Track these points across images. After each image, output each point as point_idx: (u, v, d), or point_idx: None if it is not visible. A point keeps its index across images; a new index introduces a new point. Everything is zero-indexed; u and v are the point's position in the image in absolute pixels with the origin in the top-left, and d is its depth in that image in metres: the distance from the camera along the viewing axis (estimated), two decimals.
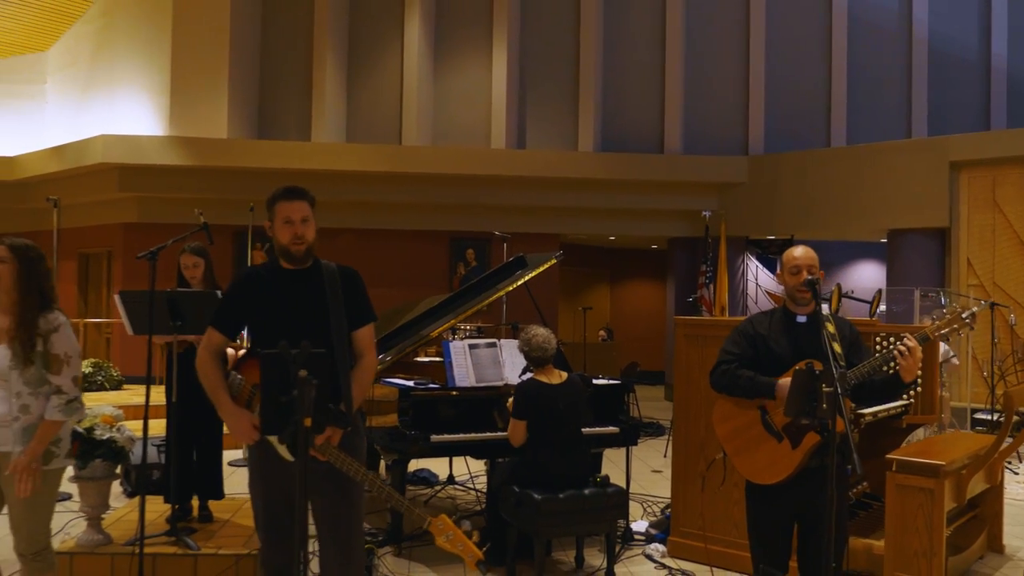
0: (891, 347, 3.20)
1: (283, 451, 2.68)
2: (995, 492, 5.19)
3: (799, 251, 3.26)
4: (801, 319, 3.25)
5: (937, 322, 3.17)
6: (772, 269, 12.58)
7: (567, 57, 12.53)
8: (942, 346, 6.10)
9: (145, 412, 4.04)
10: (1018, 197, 10.17)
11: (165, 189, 11.63)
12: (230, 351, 3.14)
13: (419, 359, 5.98)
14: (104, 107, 13.08)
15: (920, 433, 5.90)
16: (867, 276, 13.70)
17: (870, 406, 4.07)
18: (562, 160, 12.03)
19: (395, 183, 11.81)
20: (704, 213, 11.80)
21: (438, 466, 6.80)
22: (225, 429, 4.64)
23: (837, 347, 3.17)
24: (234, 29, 11.98)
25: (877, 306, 6.11)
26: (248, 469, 3.02)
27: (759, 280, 12.55)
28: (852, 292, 7.66)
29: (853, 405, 4.59)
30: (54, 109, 14.09)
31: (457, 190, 11.99)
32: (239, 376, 2.91)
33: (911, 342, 3.05)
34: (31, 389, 3.17)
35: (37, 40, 13.98)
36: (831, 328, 3.20)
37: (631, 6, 12.67)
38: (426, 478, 6.64)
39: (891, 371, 3.11)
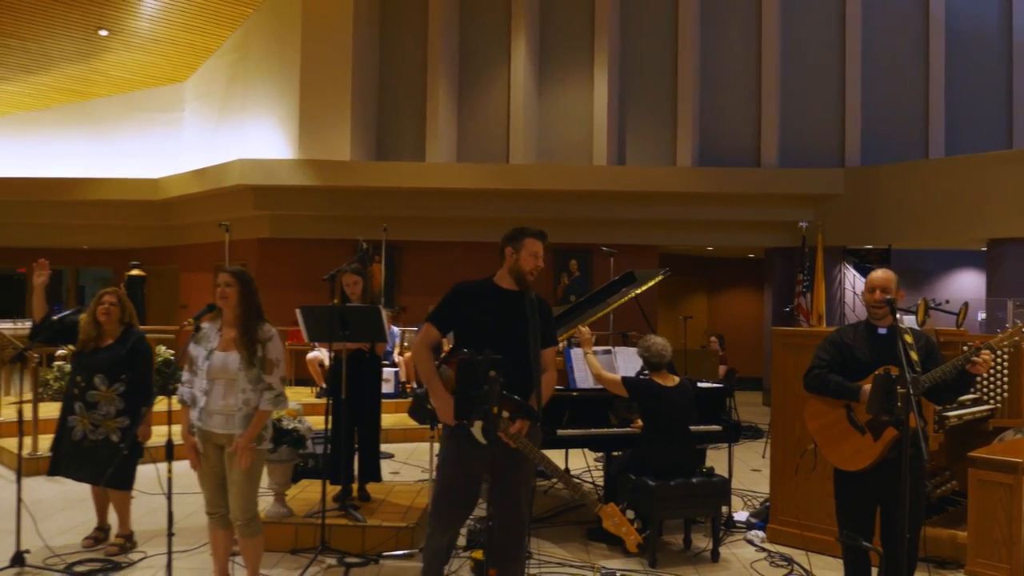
0: (962, 356, 3.70)
1: (479, 435, 3.42)
2: None
3: (878, 273, 3.83)
4: (882, 331, 3.81)
5: (1000, 335, 3.69)
6: None
7: (665, 76, 13.09)
8: None
9: (327, 410, 4.86)
10: None
11: (295, 207, 12.73)
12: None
13: None
14: (237, 133, 14.32)
15: (1010, 435, 6.28)
16: (968, 285, 13.74)
17: (947, 402, 4.45)
18: (661, 175, 12.58)
19: (503, 199, 12.59)
20: (801, 224, 12.21)
21: (556, 460, 7.50)
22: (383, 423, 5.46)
23: (914, 355, 3.75)
24: (355, 61, 13.02)
25: (964, 317, 6.49)
26: (440, 459, 3.73)
27: (856, 289, 12.82)
28: (946, 302, 8.04)
29: (938, 408, 5.12)
30: (191, 135, 15.45)
31: (561, 205, 12.68)
32: (448, 370, 3.64)
33: (986, 356, 3.58)
34: (252, 386, 4.00)
35: (176, 72, 15.36)
36: (908, 339, 3.78)
37: (727, 25, 13.13)
38: (541, 472, 7.34)
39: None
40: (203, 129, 15.20)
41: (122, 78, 15.12)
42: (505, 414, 3.39)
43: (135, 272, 12.59)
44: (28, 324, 10.36)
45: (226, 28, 14.18)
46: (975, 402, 5.79)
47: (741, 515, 5.90)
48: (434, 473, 4.08)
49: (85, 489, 5.16)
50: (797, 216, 12.45)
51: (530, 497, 3.76)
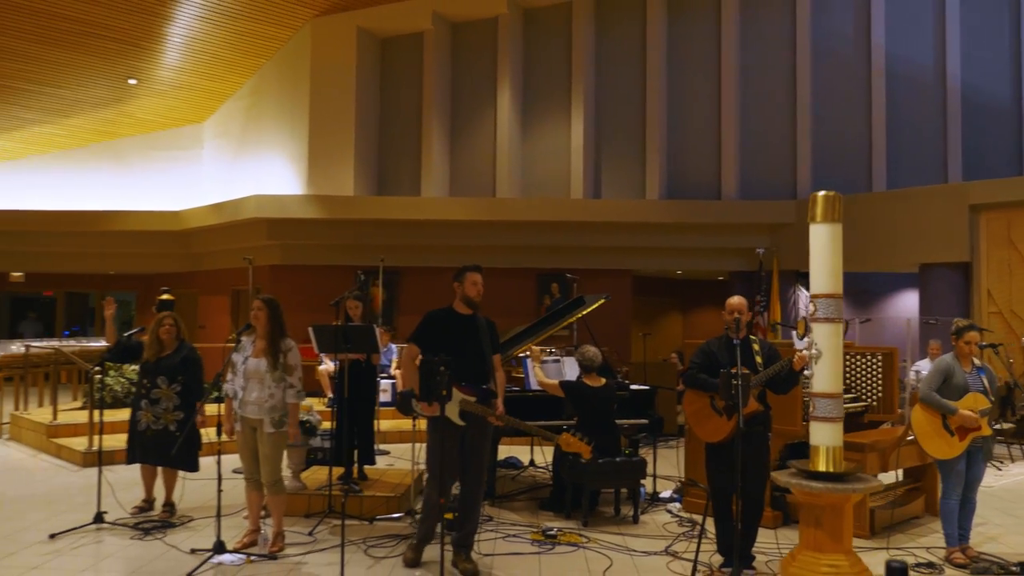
0: (790, 359, 5.07)
1: (455, 418, 4.87)
2: (932, 468, 6.88)
3: (734, 299, 5.25)
4: (735, 342, 5.21)
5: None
6: None
7: (635, 118, 14.55)
8: None
9: (332, 416, 6.29)
10: None
11: (304, 237, 14.18)
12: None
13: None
14: (252, 169, 15.81)
15: (886, 426, 7.58)
16: (908, 303, 15.11)
17: (786, 392, 5.64)
18: (632, 207, 14.01)
19: (490, 229, 14.02)
20: (758, 250, 13.60)
21: (523, 454, 8.92)
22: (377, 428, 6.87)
23: (759, 359, 5.16)
24: (358, 106, 14.55)
25: (803, 332, 7.84)
26: (428, 441, 5.15)
27: (804, 307, 14.20)
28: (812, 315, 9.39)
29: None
30: (210, 171, 16.95)
31: (543, 234, 14.11)
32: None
33: (802, 355, 4.96)
34: (276, 384, 5.42)
35: (196, 114, 16.89)
36: (756, 347, 5.20)
37: (691, 72, 14.60)
38: (514, 464, 8.76)
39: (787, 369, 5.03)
40: (220, 166, 16.70)
41: (147, 120, 16.65)
42: (472, 398, 4.87)
43: (165, 296, 13.98)
44: (53, 343, 11.86)
45: (242, 75, 15.73)
46: (853, 400, 7.18)
47: (666, 493, 7.29)
48: (422, 461, 5.51)
49: (135, 476, 6.55)
50: (755, 243, 13.84)
51: (487, 456, 5.24)
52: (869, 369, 7.26)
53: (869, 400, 7.24)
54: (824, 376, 3.24)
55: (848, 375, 7.34)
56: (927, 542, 6.03)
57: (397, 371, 12.05)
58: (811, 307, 3.46)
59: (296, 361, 5.51)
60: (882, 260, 13.21)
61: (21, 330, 19.18)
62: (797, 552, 3.05)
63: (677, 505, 6.89)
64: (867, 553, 5.64)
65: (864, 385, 7.29)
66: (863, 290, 14.77)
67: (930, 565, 5.34)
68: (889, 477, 7.20)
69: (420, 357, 5.11)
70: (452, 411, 4.90)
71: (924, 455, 5.76)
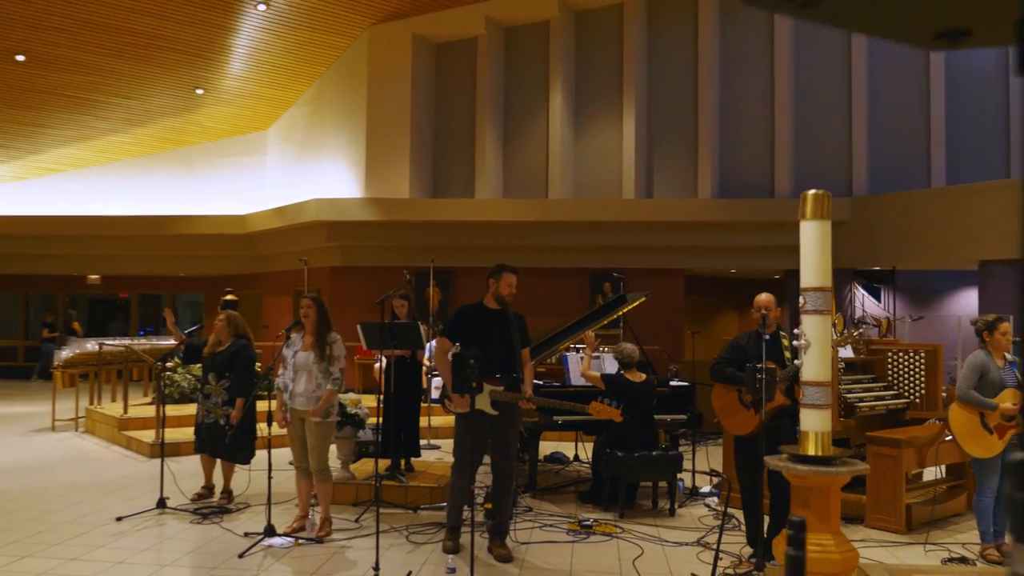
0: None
1: (487, 408, 5.09)
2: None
3: (761, 296, 5.35)
4: (766, 337, 5.31)
5: (838, 338, 5.17)
6: (877, 296, 14.04)
7: (687, 117, 14.58)
8: None
9: (379, 407, 6.58)
10: None
11: (362, 239, 14.59)
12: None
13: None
14: (313, 173, 16.32)
15: (931, 422, 7.52)
16: (969, 302, 14.80)
17: None
18: (684, 206, 14.06)
19: (543, 230, 14.23)
20: None
21: (568, 450, 9.10)
22: (428, 423, 7.13)
23: (787, 353, 5.26)
24: (414, 111, 14.90)
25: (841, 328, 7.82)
26: (456, 431, 5.39)
27: (865, 306, 14.04)
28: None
29: (851, 399, 6.55)
30: (273, 176, 17.54)
31: (595, 234, 14.25)
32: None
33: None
34: (322, 376, 5.73)
35: (260, 122, 17.49)
36: (785, 343, 5.29)
37: (743, 69, 14.57)
38: (559, 459, 8.94)
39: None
40: (283, 171, 17.27)
41: (214, 128, 17.31)
42: (500, 388, 5.10)
43: (229, 297, 14.61)
44: (127, 341, 12.45)
45: (303, 84, 16.24)
46: (894, 396, 7.18)
47: (706, 488, 7.39)
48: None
49: (197, 467, 6.94)
50: None
51: (515, 447, 5.44)
52: (912, 366, 7.25)
53: (911, 397, 7.22)
54: (813, 365, 3.36)
55: (891, 372, 7.33)
56: (965, 538, 6.02)
57: (428, 362, 12.40)
58: (800, 300, 3.57)
59: (340, 353, 5.80)
60: (940, 257, 13.00)
61: (109, 331, 20.07)
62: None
63: (715, 500, 6.98)
64: (901, 548, 5.69)
65: (906, 382, 7.28)
66: (921, 288, 14.52)
67: (963, 560, 5.37)
68: (931, 473, 7.20)
69: (454, 350, 5.35)
70: (484, 402, 5.12)
71: (963, 453, 5.76)
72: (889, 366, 7.34)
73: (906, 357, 7.33)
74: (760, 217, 13.85)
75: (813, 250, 3.34)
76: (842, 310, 13.98)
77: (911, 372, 7.28)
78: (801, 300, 3.54)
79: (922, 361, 7.24)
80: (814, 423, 3.24)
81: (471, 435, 5.24)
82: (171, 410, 9.51)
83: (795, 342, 4.87)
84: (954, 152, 14.01)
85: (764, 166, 14.43)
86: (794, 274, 14.65)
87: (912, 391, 7.27)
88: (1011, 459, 1.16)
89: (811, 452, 3.23)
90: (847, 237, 13.63)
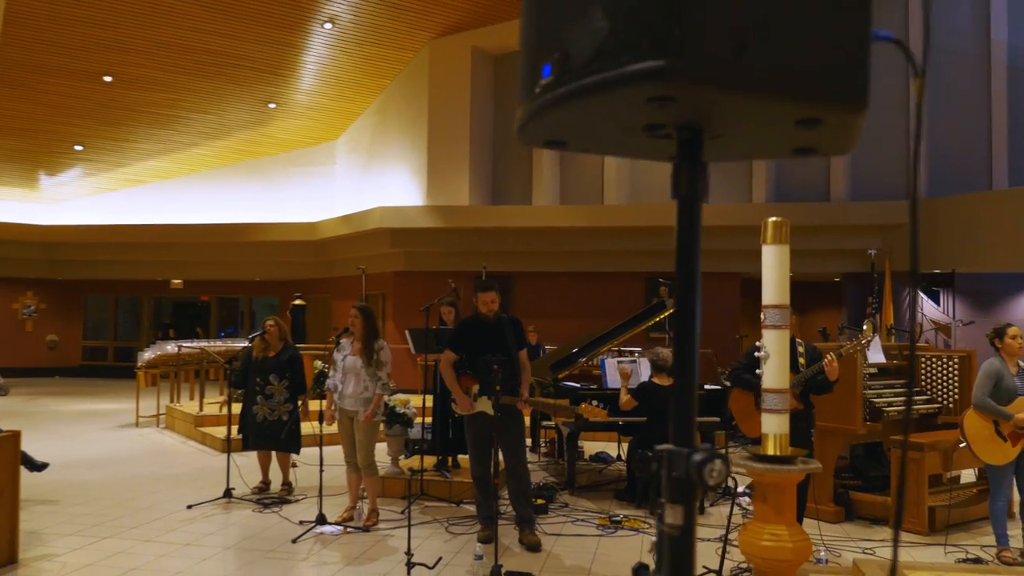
0: (820, 363, 5.42)
1: (488, 409, 5.51)
2: None
3: None
4: None
5: (848, 346, 5.41)
6: (936, 300, 13.92)
7: None
8: None
9: (425, 405, 7.06)
10: None
11: (424, 245, 15.17)
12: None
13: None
14: (378, 181, 16.99)
15: None
16: None
17: (824, 393, 5.97)
18: (738, 210, 14.18)
19: (599, 235, 14.55)
20: (870, 252, 13.51)
21: (613, 449, 9.44)
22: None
23: (801, 360, 5.52)
24: (473, 121, 15.41)
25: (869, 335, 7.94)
26: (466, 429, 5.85)
27: (924, 310, 13.94)
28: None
29: (877, 401, 6.73)
30: (341, 185, 18.28)
31: (650, 238, 14.48)
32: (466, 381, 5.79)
33: (829, 357, 5.31)
34: (369, 379, 6.22)
35: (330, 132, 18.26)
36: (801, 349, 5.56)
37: None
38: (604, 458, 9.29)
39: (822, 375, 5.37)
40: (351, 179, 17.99)
41: (286, 139, 18.15)
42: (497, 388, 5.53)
43: (298, 302, 15.39)
44: (201, 343, 13.22)
45: (369, 96, 16.92)
46: (927, 401, 7.32)
47: (741, 488, 7.64)
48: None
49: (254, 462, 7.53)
50: (867, 244, 13.74)
51: (522, 445, 5.86)
52: (945, 371, 7.36)
53: (944, 402, 7.34)
54: (771, 374, 3.67)
55: (924, 377, 7.46)
56: (988, 541, 6.15)
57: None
58: (762, 315, 3.87)
59: (387, 358, 6.29)
60: (1001, 260, 12.85)
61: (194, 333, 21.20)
62: (749, 524, 3.50)
63: (747, 500, 7.24)
64: (919, 548, 5.88)
65: (940, 387, 7.40)
66: (983, 291, 14.32)
67: (977, 560, 5.53)
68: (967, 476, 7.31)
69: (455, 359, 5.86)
70: (485, 404, 5.56)
71: (976, 459, 5.91)
72: (923, 371, 7.46)
73: (939, 362, 7.45)
74: (816, 221, 13.89)
75: (773, 272, 3.63)
76: (900, 312, 13.93)
77: (944, 377, 7.39)
78: (762, 316, 3.84)
79: (956, 366, 7.35)
80: (773, 426, 3.55)
81: (474, 430, 5.74)
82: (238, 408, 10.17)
83: (756, 353, 5.16)
84: (1017, 154, 13.80)
85: (820, 169, 14.45)
86: (851, 277, 14.72)
87: (946, 396, 7.38)
88: None
89: (770, 452, 3.54)
90: (905, 240, 13.58)
